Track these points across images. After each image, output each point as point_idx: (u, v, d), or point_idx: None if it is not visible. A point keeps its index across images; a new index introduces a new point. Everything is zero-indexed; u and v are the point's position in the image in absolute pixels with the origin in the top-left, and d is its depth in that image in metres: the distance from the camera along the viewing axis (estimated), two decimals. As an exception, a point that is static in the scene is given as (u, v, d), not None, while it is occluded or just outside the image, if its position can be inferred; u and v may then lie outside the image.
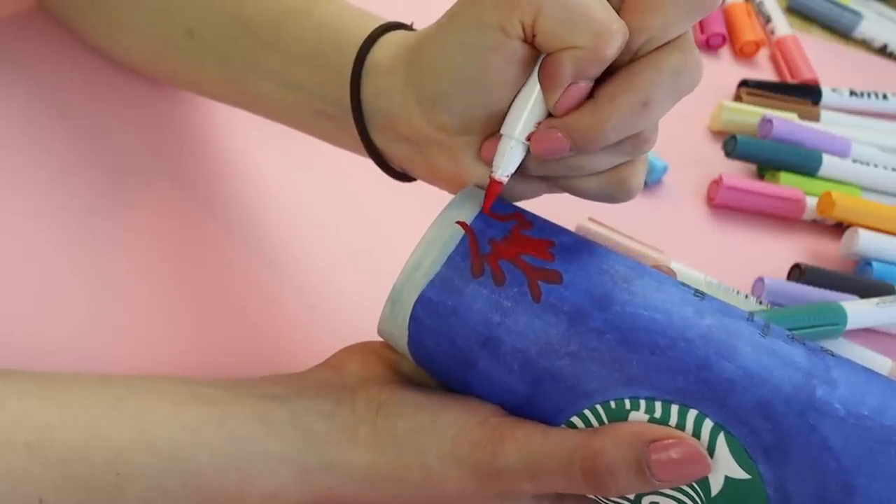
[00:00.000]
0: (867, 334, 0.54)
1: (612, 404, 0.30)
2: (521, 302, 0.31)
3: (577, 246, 0.33)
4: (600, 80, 0.31)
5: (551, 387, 0.30)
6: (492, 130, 0.33)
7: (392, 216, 0.49)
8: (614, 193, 0.33)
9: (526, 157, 0.32)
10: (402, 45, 0.34)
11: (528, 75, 0.32)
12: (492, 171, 0.32)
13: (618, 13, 0.30)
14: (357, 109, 0.36)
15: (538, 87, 0.31)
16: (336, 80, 0.36)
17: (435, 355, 0.32)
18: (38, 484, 0.30)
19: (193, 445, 0.32)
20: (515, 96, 0.32)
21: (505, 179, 0.32)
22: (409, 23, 0.37)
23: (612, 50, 0.29)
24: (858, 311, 0.51)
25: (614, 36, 0.29)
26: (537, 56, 0.31)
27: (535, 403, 0.31)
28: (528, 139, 0.32)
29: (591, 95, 0.31)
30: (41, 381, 0.32)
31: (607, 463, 0.29)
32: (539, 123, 0.31)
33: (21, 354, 0.38)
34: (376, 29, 0.36)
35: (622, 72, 0.30)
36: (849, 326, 0.51)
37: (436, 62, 0.33)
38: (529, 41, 0.30)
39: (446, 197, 0.36)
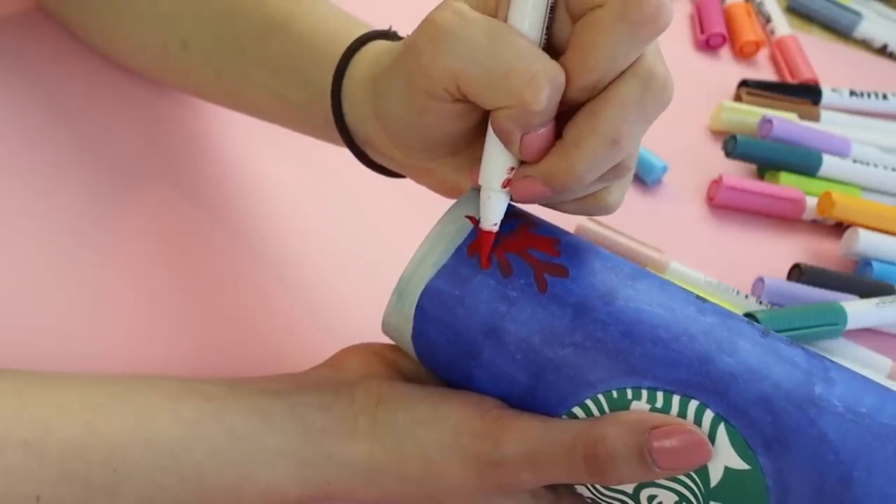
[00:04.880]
0: (867, 334, 0.53)
1: (615, 394, 0.30)
2: (528, 293, 0.31)
3: (583, 246, 0.33)
4: (568, 117, 0.29)
5: (554, 376, 0.30)
6: (464, 152, 0.33)
7: (392, 218, 0.49)
8: (593, 212, 0.33)
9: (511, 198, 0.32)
10: (371, 68, 0.34)
11: (481, 117, 0.31)
12: (480, 223, 0.32)
13: (565, 50, 0.29)
14: (343, 128, 0.36)
15: None
16: (321, 99, 0.36)
17: (439, 347, 0.33)
18: (35, 481, 0.30)
19: (191, 440, 0.32)
20: (484, 145, 0.31)
21: (494, 228, 0.32)
22: (388, 28, 0.37)
23: (540, 103, 0.28)
24: (858, 311, 0.51)
25: (539, 88, 0.28)
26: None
27: (538, 393, 0.31)
28: (507, 185, 0.31)
29: (561, 135, 0.29)
30: (38, 380, 0.32)
31: (609, 450, 0.29)
32: (513, 168, 0.31)
33: (18, 354, 0.38)
34: (352, 44, 0.35)
35: (584, 111, 0.29)
36: (849, 326, 0.51)
37: (384, 108, 0.33)
38: (464, 100, 0.30)
39: (446, 200, 0.36)
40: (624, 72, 0.28)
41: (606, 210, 0.33)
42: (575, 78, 0.28)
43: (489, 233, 0.32)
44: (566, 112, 0.29)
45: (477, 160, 0.34)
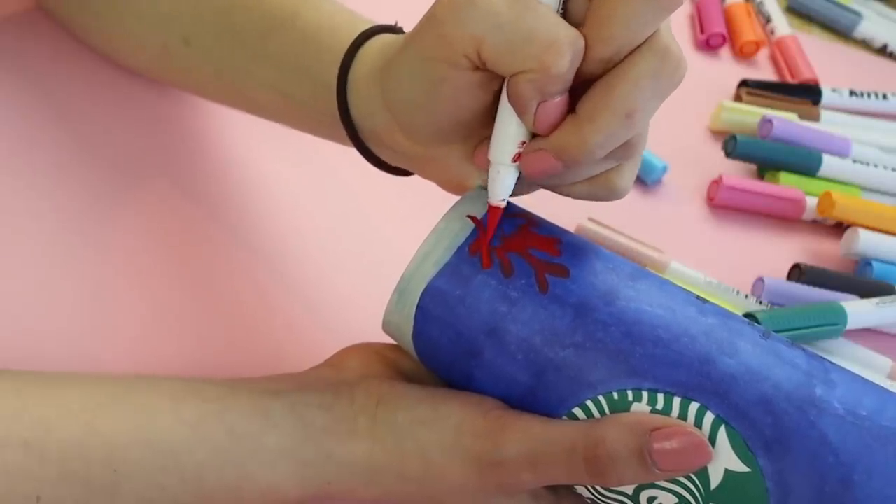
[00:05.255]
0: (867, 334, 0.53)
1: (615, 395, 0.30)
2: (528, 293, 0.31)
3: (584, 246, 0.33)
4: (582, 92, 0.29)
5: (555, 377, 0.30)
6: (474, 136, 0.33)
7: (393, 217, 0.49)
8: (603, 196, 0.33)
9: (519, 175, 0.32)
10: (378, 60, 0.34)
11: (496, 93, 0.31)
12: (488, 198, 0.32)
13: (583, 23, 0.29)
14: (348, 124, 0.36)
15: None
16: (325, 94, 0.36)
17: (439, 346, 0.33)
18: (35, 481, 0.30)
19: (192, 441, 0.32)
20: (495, 118, 0.31)
21: (503, 204, 0.32)
22: (394, 23, 0.37)
23: (562, 67, 0.28)
24: (858, 311, 0.51)
25: (561, 52, 0.28)
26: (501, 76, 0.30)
27: (538, 394, 0.31)
28: (517, 159, 0.31)
29: (573, 108, 0.30)
30: (38, 380, 0.32)
31: (609, 451, 0.29)
32: (524, 143, 0.31)
33: (18, 354, 0.38)
34: (357, 38, 0.35)
35: (599, 85, 0.29)
36: (849, 326, 0.51)
37: (396, 91, 0.33)
38: (483, 68, 0.30)
39: (448, 198, 0.36)
40: (639, 47, 0.28)
41: (616, 194, 0.33)
42: (592, 50, 0.29)
43: (496, 208, 0.32)
44: (579, 86, 0.29)
45: (482, 153, 0.33)
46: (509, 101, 0.30)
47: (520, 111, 0.30)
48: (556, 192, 0.33)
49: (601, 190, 0.33)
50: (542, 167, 0.30)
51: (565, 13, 0.30)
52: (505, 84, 0.30)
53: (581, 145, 0.29)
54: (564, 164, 0.30)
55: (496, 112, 0.31)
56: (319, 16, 0.37)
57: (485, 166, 0.32)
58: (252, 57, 0.38)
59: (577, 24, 0.29)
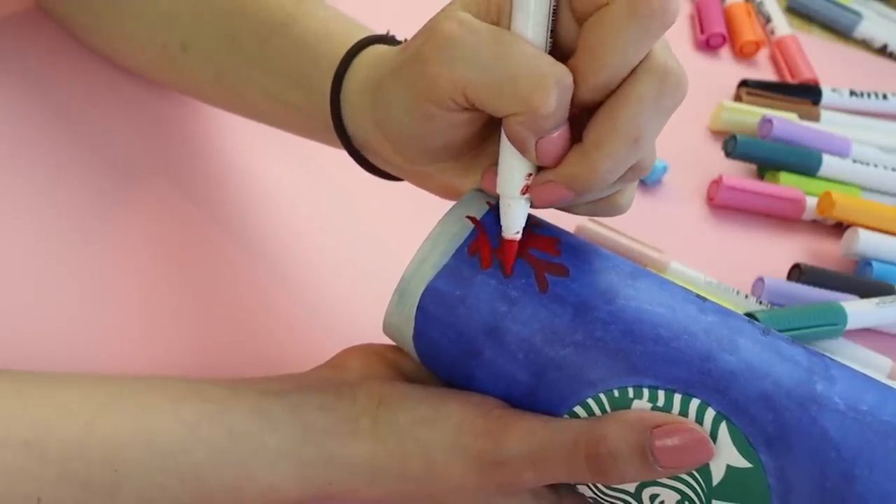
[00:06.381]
0: (867, 334, 0.53)
1: (616, 393, 0.30)
2: (528, 292, 0.31)
3: (583, 246, 0.33)
4: (584, 120, 0.29)
5: (555, 375, 0.30)
6: (466, 156, 0.33)
7: (392, 219, 0.49)
8: (605, 214, 0.33)
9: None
10: (370, 73, 0.34)
11: (486, 124, 0.31)
12: (502, 231, 0.32)
13: (574, 51, 0.29)
14: (342, 132, 0.36)
15: None
16: (321, 102, 0.36)
17: (440, 347, 0.32)
18: (35, 482, 0.30)
19: (191, 441, 0.32)
20: (499, 153, 0.31)
21: (518, 237, 0.32)
22: (386, 32, 0.37)
23: (550, 106, 0.28)
24: (858, 311, 0.51)
25: (547, 92, 0.27)
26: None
27: (539, 393, 0.31)
28: (527, 191, 0.31)
29: (579, 137, 0.29)
30: (38, 380, 0.32)
31: (611, 448, 0.29)
32: (530, 174, 0.31)
33: (17, 355, 0.38)
34: (352, 48, 0.35)
35: (602, 111, 0.29)
36: (849, 326, 0.51)
37: (386, 115, 0.32)
38: (472, 108, 0.29)
39: (446, 201, 0.36)
40: (637, 70, 0.28)
41: (619, 210, 0.33)
42: (586, 78, 0.28)
43: (512, 241, 0.32)
44: (579, 114, 0.29)
45: (478, 164, 0.33)
46: (508, 138, 0.29)
47: (520, 149, 0.29)
48: (558, 209, 0.33)
49: (604, 209, 0.33)
50: (553, 198, 0.30)
51: (554, 44, 0.30)
52: (503, 122, 0.30)
53: (591, 174, 0.29)
54: (575, 193, 0.30)
55: (487, 137, 0.31)
56: (316, 23, 0.37)
57: (492, 189, 0.32)
58: (250, 62, 0.38)
59: (567, 54, 0.29)
